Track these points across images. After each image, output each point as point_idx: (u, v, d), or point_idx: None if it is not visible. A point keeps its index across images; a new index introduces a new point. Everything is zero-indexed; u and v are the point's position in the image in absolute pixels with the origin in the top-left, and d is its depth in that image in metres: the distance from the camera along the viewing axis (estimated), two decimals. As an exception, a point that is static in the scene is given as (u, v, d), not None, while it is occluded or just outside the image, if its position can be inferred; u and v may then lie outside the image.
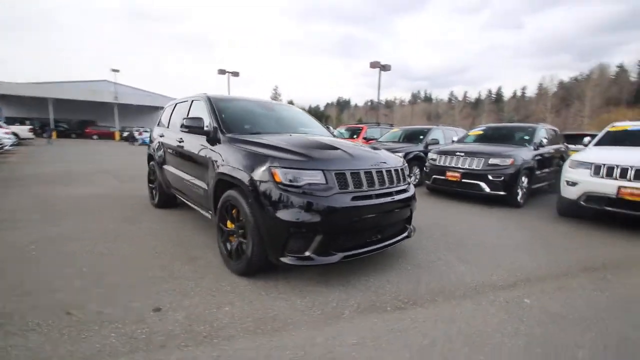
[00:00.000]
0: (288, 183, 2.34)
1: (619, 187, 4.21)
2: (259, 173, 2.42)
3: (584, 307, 2.39)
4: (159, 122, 5.21)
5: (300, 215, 2.29)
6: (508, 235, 4.10)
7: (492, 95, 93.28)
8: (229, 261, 2.75)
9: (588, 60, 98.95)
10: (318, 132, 3.85)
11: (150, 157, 5.05)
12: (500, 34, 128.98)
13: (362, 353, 1.79)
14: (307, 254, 2.37)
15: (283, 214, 2.30)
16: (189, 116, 3.36)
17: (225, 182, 2.84)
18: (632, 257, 3.51)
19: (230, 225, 2.82)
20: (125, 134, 32.08)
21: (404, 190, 2.89)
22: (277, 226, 2.32)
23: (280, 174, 2.35)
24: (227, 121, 3.31)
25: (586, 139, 5.91)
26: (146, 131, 32.44)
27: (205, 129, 3.24)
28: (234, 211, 2.71)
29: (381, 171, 2.71)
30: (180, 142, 3.84)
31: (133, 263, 2.88)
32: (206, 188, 3.17)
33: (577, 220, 4.94)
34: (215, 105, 3.51)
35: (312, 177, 2.37)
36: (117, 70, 32.09)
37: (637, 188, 4.08)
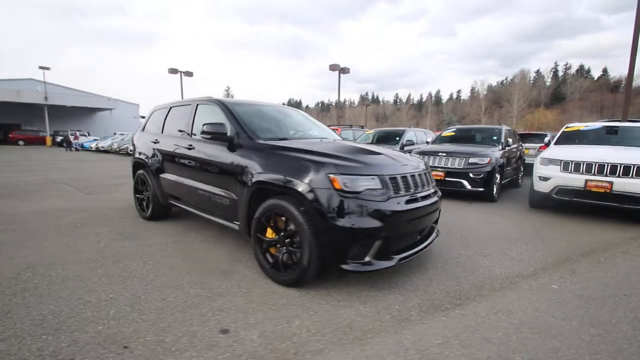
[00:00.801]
0: (348, 189, 2.32)
1: (586, 181, 4.85)
2: (317, 180, 2.36)
3: (601, 286, 2.73)
4: (144, 128, 4.79)
5: (362, 221, 2.30)
6: (500, 229, 4.48)
7: (433, 98, 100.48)
8: (274, 273, 2.64)
9: (511, 66, 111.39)
10: (334, 136, 3.86)
11: (139, 166, 4.61)
12: (437, 40, 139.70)
13: (453, 352, 1.86)
14: (367, 259, 2.38)
15: (345, 221, 2.28)
16: (207, 122, 3.12)
17: (265, 191, 2.73)
18: (609, 240, 4.06)
19: (271, 235, 2.71)
20: (59, 138, 28.61)
21: (436, 192, 3.04)
22: (338, 233, 2.30)
23: (340, 181, 2.33)
24: (250, 126, 3.17)
25: (546, 139, 6.69)
26: (84, 135, 29.28)
27: (229, 134, 3.07)
28: (278, 220, 2.62)
29: (421, 174, 2.82)
30: (189, 148, 3.57)
31: (161, 283, 2.62)
32: (234, 197, 2.99)
33: (548, 210, 5.58)
34: (233, 110, 3.34)
35: (370, 182, 2.39)
36: (46, 68, 28.40)
37: (601, 181, 4.74)
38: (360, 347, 1.88)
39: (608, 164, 4.74)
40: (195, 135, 3.66)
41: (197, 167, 3.47)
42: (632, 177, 4.58)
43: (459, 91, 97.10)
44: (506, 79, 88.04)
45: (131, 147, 17.00)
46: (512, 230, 4.40)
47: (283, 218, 2.58)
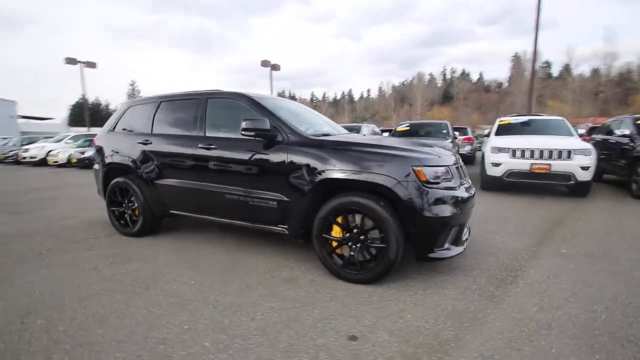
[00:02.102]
0: (431, 180, 2.40)
1: (532, 164, 5.88)
2: (403, 174, 2.37)
3: (600, 246, 3.38)
4: (114, 127, 4.01)
5: (444, 209, 2.40)
6: (477, 211, 5.13)
7: (346, 96, 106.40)
8: (350, 272, 2.55)
9: (410, 69, 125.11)
10: (345, 130, 3.83)
11: (115, 173, 3.84)
12: (346, 42, 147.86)
13: (551, 310, 2.12)
14: (446, 246, 2.50)
15: (432, 211, 2.36)
16: (247, 118, 2.77)
17: (332, 188, 2.61)
18: (563, 209, 5.01)
19: (338, 234, 2.62)
20: None
21: None
22: (428, 224, 2.36)
23: (425, 173, 2.39)
24: (288, 122, 2.97)
25: (486, 131, 7.82)
26: None
27: (271, 132, 2.82)
28: (349, 218, 2.55)
29: (461, 166, 3.05)
30: (208, 148, 3.14)
31: (229, 302, 2.29)
32: (284, 199, 2.77)
33: (499, 192, 6.56)
34: (264, 104, 3.07)
35: (444, 172, 2.51)
36: None
37: (543, 164, 5.80)
38: (484, 326, 1.99)
39: (547, 149, 5.83)
40: (209, 133, 3.24)
41: (224, 169, 3.08)
42: (564, 159, 5.72)
43: (368, 90, 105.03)
44: (406, 80, 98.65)
45: (35, 153, 13.83)
46: (489, 211, 5.05)
47: (357, 215, 2.53)
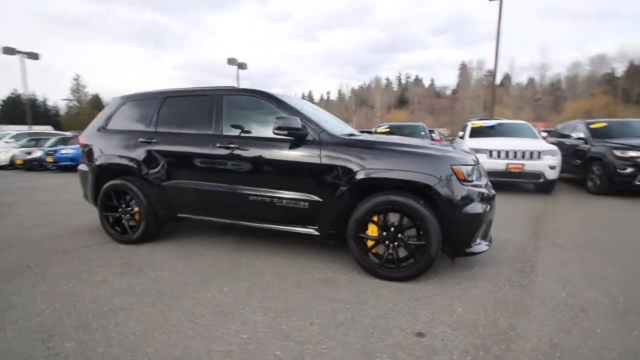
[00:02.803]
0: (467, 179, 2.51)
1: (507, 164, 6.38)
2: (443, 172, 2.45)
3: (586, 236, 3.76)
4: (106, 124, 3.66)
5: (479, 206, 2.53)
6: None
7: (306, 97, 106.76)
8: (389, 270, 2.58)
9: (367, 73, 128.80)
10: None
11: (111, 174, 3.49)
12: (305, 44, 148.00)
13: (597, 288, 2.33)
14: (478, 241, 2.63)
15: (469, 208, 2.47)
16: (278, 116, 2.67)
17: (365, 188, 2.61)
18: (541, 204, 5.50)
19: (374, 233, 2.63)
20: None
21: None
22: (467, 220, 2.47)
23: (462, 171, 2.49)
24: (318, 121, 2.92)
25: (460, 133, 8.34)
26: None
27: (302, 131, 2.76)
28: (386, 217, 2.58)
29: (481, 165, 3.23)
30: (228, 147, 2.97)
31: (280, 308, 2.20)
32: (317, 199, 2.72)
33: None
34: (289, 103, 2.99)
35: (475, 171, 2.64)
36: None
37: (517, 164, 6.33)
38: (529, 314, 2.13)
39: (520, 150, 6.37)
40: (226, 131, 3.08)
41: (247, 169, 2.95)
42: (534, 159, 6.30)
43: (328, 92, 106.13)
44: (365, 83, 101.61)
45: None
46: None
47: (393, 214, 2.56)
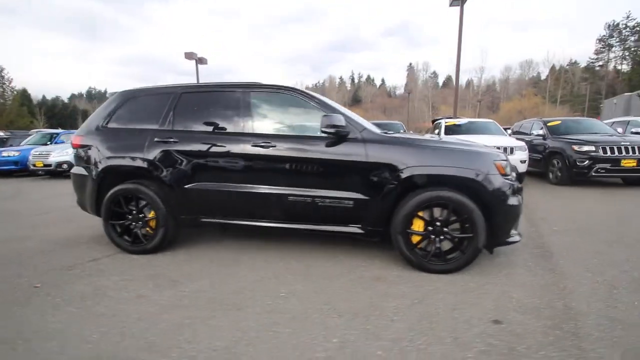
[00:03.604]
0: (507, 173, 2.69)
1: (485, 159, 6.91)
2: (488, 168, 2.60)
3: (576, 222, 4.22)
4: (107, 121, 3.28)
5: (517, 199, 2.71)
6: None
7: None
8: (436, 263, 2.66)
9: (321, 71, 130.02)
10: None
11: (117, 177, 3.13)
12: (258, 42, 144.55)
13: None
14: (514, 232, 2.82)
15: (511, 201, 2.64)
16: (325, 116, 2.59)
17: (412, 184, 2.67)
18: (528, 195, 6.01)
19: (420, 227, 2.71)
20: None
21: None
22: (509, 212, 2.64)
23: (503, 166, 2.66)
24: (358, 119, 2.92)
25: (436, 131, 8.81)
26: None
27: (345, 128, 2.73)
28: (433, 212, 2.67)
29: None
30: (265, 147, 2.83)
31: (345, 308, 2.17)
32: (363, 198, 2.71)
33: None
34: (325, 101, 2.94)
35: (508, 165, 2.83)
36: None
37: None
38: (574, 293, 2.35)
39: (496, 146, 6.91)
40: (258, 130, 2.94)
41: (287, 169, 2.83)
42: (508, 154, 6.89)
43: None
44: (319, 82, 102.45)
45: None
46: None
47: (437, 209, 2.66)
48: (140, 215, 3.13)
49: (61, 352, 1.76)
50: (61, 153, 9.22)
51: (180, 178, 3.00)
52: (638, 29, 45.68)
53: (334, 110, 2.86)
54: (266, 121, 3.00)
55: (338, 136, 2.75)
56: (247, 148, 2.88)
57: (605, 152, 6.59)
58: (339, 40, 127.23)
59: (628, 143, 6.49)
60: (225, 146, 2.94)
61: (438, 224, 2.67)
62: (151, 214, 3.11)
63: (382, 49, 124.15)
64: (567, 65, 62.67)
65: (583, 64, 57.73)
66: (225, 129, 3.00)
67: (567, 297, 2.31)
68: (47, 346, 1.81)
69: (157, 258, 3.07)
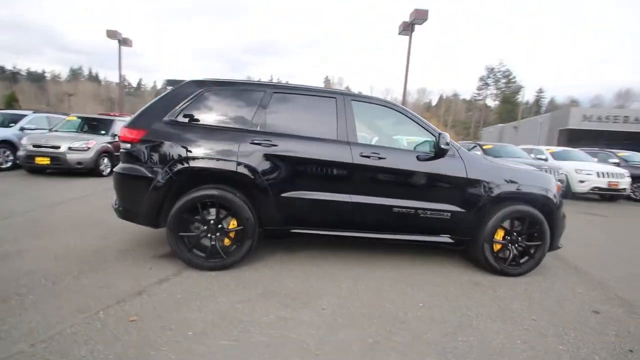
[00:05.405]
0: (560, 191, 3.30)
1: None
2: (554, 187, 3.16)
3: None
4: (176, 115, 2.79)
5: (563, 211, 3.35)
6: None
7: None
8: (513, 267, 3.09)
9: (240, 71, 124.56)
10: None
11: (204, 180, 2.68)
12: (171, 25, 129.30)
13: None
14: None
15: (563, 213, 3.26)
16: (441, 135, 2.78)
17: (500, 199, 3.05)
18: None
19: (501, 237, 3.11)
20: None
21: None
22: (562, 223, 3.24)
23: (559, 185, 3.27)
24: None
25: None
26: None
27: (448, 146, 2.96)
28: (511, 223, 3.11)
29: None
30: (374, 158, 2.82)
31: (489, 312, 2.39)
32: (459, 210, 2.96)
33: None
34: (418, 117, 3.12)
35: (557, 184, 3.47)
36: None
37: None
38: (615, 287, 3.06)
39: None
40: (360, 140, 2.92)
41: (394, 181, 2.90)
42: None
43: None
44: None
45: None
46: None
47: (518, 221, 3.11)
48: (219, 226, 2.73)
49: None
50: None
51: (278, 185, 2.75)
52: (506, 73, 58.50)
53: (431, 128, 3.06)
54: (367, 132, 3.01)
55: (443, 152, 2.96)
56: (355, 158, 2.83)
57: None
58: (260, 43, 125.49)
59: (547, 167, 8.32)
60: (329, 154, 2.82)
61: (514, 233, 3.11)
62: (232, 224, 2.74)
63: (301, 59, 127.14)
64: (452, 96, 75.54)
65: (468, 97, 70.30)
66: (323, 136, 2.89)
67: (613, 289, 2.99)
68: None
69: (238, 273, 2.72)
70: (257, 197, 2.74)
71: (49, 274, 2.50)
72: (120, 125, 8.66)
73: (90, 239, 3.38)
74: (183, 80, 2.93)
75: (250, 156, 2.71)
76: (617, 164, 9.63)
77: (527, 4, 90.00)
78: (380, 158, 2.88)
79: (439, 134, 2.92)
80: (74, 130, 8.43)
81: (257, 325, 2.03)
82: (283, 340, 1.90)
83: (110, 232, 3.61)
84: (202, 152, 2.68)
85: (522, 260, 3.15)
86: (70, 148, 7.05)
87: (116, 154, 8.26)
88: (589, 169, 8.72)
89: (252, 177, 2.70)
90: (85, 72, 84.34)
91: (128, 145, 2.72)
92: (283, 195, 2.78)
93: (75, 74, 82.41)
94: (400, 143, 3.16)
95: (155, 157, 2.66)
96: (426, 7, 12.38)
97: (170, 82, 3.00)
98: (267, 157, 2.74)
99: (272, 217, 2.81)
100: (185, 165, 2.65)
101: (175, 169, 2.64)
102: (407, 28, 13.17)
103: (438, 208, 2.97)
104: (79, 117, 8.94)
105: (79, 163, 7.13)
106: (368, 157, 2.86)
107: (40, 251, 2.97)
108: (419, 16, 12.54)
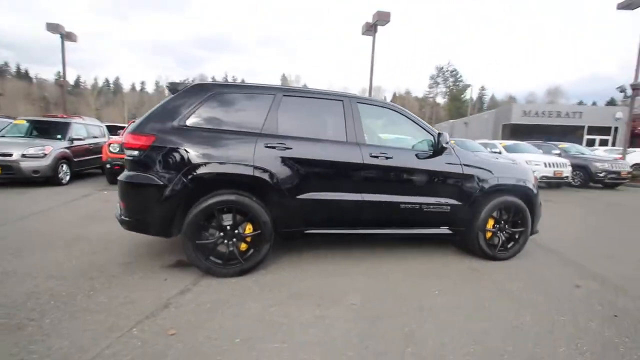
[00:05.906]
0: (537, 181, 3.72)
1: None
2: (533, 179, 3.54)
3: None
4: (186, 119, 2.72)
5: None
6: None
7: (112, 85, 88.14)
8: (501, 253, 3.43)
9: (190, 68, 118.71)
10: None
11: (220, 185, 2.64)
12: (109, 20, 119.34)
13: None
14: (536, 224, 3.89)
15: (540, 201, 3.68)
16: (440, 134, 2.96)
17: (490, 192, 3.36)
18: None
19: (491, 225, 3.44)
20: None
21: None
22: (539, 210, 3.66)
23: (536, 177, 3.67)
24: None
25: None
26: None
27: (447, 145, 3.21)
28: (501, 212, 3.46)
29: None
30: (382, 158, 2.96)
31: (492, 296, 2.66)
32: (457, 203, 3.23)
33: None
34: (416, 118, 3.32)
35: (529, 177, 3.89)
36: None
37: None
38: (610, 275, 3.53)
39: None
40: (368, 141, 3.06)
41: (400, 179, 3.07)
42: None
43: (142, 83, 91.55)
44: (188, 79, 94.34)
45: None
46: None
47: (505, 210, 3.46)
48: (236, 232, 2.71)
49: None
50: None
51: (294, 188, 2.79)
52: (454, 72, 62.80)
53: (429, 128, 3.28)
54: (373, 133, 3.15)
55: (442, 151, 3.19)
56: (365, 158, 2.96)
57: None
58: (212, 39, 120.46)
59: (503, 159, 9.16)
60: (342, 155, 2.92)
61: (502, 222, 3.46)
62: (248, 229, 2.74)
63: (258, 56, 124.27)
64: (405, 93, 79.26)
65: (420, 95, 74.05)
66: (335, 138, 2.98)
67: (608, 276, 3.45)
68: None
69: (252, 278, 2.73)
70: (274, 200, 2.76)
71: (55, 295, 2.31)
72: (77, 129, 8.09)
73: (79, 254, 3.14)
74: (187, 84, 2.85)
75: (266, 160, 2.72)
76: (559, 155, 10.85)
77: (473, 9, 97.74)
78: (387, 158, 3.04)
79: (439, 133, 3.16)
80: (23, 135, 7.60)
81: (298, 325, 2.08)
82: (327, 337, 1.98)
83: (99, 245, 3.37)
84: (217, 158, 2.63)
85: (509, 245, 3.52)
86: (24, 155, 6.36)
87: (75, 160, 7.60)
88: (537, 160, 9.73)
89: (269, 180, 2.72)
90: (13, 69, 75.14)
91: (136, 153, 2.58)
92: (299, 197, 2.82)
93: (1, 70, 72.95)
94: (404, 142, 3.34)
95: (167, 163, 2.56)
96: (382, 8, 12.87)
97: (173, 86, 2.88)
98: (283, 160, 2.77)
99: (288, 219, 2.85)
100: (201, 171, 2.59)
101: (190, 176, 2.57)
102: (370, 29, 13.59)
103: (439, 202, 3.22)
104: (28, 121, 8.06)
105: (35, 171, 6.45)
106: (377, 157, 3.01)
107: (30, 270, 2.71)
108: (382, 18, 13.00)
